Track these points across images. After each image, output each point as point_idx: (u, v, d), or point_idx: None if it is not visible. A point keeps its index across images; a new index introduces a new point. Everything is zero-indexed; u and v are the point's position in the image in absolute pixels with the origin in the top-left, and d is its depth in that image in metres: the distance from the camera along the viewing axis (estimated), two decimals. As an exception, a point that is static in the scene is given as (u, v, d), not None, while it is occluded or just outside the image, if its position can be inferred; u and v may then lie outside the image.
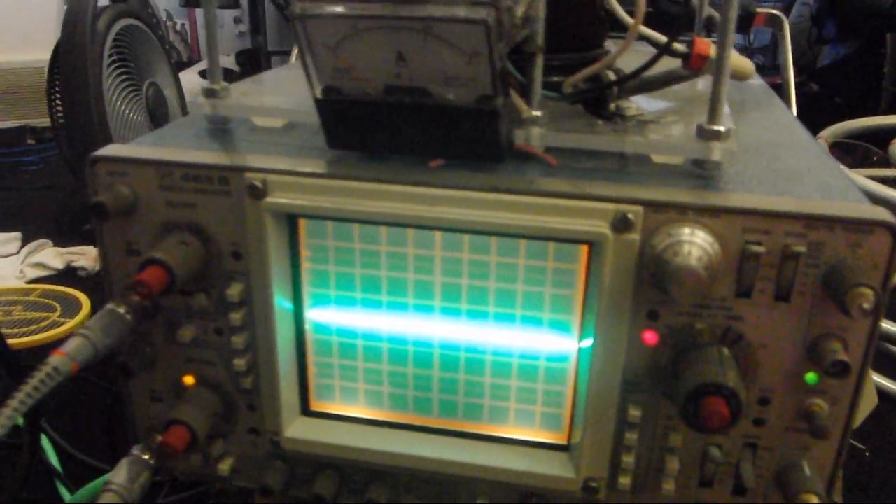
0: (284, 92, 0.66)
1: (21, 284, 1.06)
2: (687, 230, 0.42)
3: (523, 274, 0.47)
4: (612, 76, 0.51)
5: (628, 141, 0.48)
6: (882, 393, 0.80)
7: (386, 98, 0.44)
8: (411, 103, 0.44)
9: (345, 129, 0.47)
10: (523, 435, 0.51)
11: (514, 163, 0.47)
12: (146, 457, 0.48)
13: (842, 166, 0.62)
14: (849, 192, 0.45)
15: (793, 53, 1.15)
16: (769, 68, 2.42)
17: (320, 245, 0.49)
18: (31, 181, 1.56)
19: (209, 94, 0.54)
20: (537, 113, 0.47)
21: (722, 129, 0.44)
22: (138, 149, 0.50)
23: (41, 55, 1.62)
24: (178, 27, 3.05)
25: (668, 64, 0.52)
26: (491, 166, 0.47)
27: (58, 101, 1.24)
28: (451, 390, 0.51)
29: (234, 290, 0.49)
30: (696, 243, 0.41)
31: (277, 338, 0.49)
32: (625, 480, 0.48)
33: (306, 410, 0.54)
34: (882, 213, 0.41)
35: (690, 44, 0.51)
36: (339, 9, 0.41)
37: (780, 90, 1.05)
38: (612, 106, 0.52)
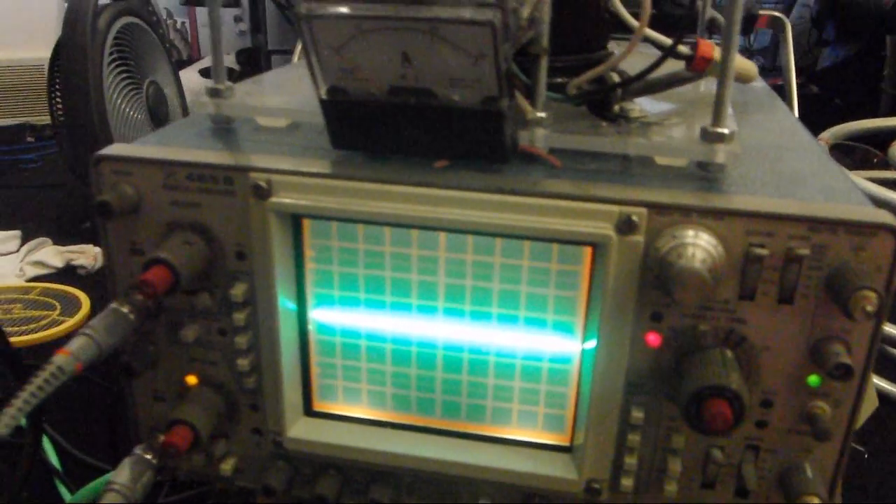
0: (288, 92, 0.66)
1: (21, 283, 1.06)
2: (691, 232, 0.42)
3: (527, 275, 0.47)
4: (616, 78, 0.51)
5: (632, 143, 0.48)
6: (882, 395, 0.80)
7: (391, 99, 0.44)
8: (416, 104, 0.44)
9: (349, 130, 0.47)
10: (526, 436, 0.51)
11: (519, 164, 0.48)
12: (149, 456, 0.48)
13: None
14: (852, 194, 0.45)
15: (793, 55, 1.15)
16: (769, 70, 2.42)
17: (324, 245, 0.49)
18: (31, 179, 1.56)
19: (213, 93, 0.54)
20: (542, 114, 0.47)
21: (726, 131, 0.44)
22: (142, 148, 0.50)
23: (41, 53, 1.62)
24: (179, 25, 3.04)
25: (672, 66, 0.52)
26: (495, 167, 0.47)
27: (58, 99, 1.24)
28: (454, 391, 0.51)
29: (238, 290, 0.49)
30: (699, 245, 0.41)
31: (281, 338, 0.49)
32: (627, 482, 0.48)
33: (309, 411, 0.54)
34: (885, 216, 0.41)
35: (694, 46, 0.51)
36: (344, 9, 0.41)
37: (781, 92, 1.05)
38: (616, 108, 0.52)
